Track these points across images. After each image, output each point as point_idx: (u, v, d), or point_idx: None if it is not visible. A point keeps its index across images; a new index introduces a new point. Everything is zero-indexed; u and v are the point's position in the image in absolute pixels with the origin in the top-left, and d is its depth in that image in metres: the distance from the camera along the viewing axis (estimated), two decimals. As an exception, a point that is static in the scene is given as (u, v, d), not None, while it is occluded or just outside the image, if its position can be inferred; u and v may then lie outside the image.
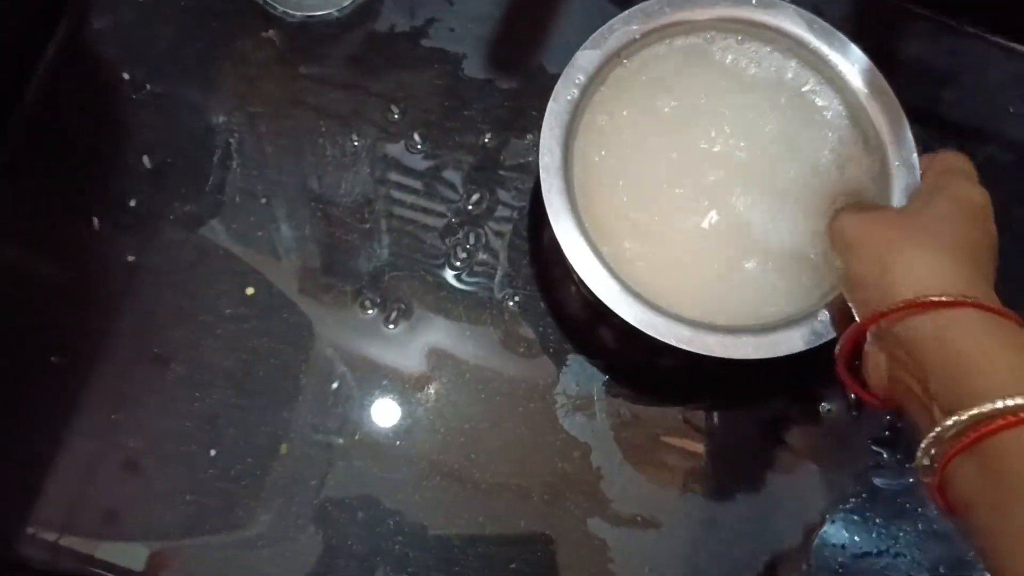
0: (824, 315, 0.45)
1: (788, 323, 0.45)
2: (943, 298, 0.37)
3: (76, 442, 0.49)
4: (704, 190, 0.48)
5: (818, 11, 0.57)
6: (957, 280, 0.38)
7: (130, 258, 0.51)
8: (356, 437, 0.50)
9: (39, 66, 0.53)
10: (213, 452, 0.49)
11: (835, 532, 0.51)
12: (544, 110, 0.47)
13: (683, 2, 0.49)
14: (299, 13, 0.55)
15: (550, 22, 0.56)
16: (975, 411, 0.34)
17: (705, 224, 0.48)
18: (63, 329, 0.50)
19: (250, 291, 0.51)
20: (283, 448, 0.50)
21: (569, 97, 0.47)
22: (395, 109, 0.54)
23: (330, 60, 0.55)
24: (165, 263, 0.51)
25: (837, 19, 0.57)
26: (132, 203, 0.52)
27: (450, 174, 0.54)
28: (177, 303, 0.51)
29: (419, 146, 0.54)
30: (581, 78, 0.48)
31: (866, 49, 0.57)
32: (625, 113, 0.49)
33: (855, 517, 0.51)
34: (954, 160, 0.46)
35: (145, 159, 0.52)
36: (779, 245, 0.47)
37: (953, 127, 0.56)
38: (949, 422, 0.35)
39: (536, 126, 0.50)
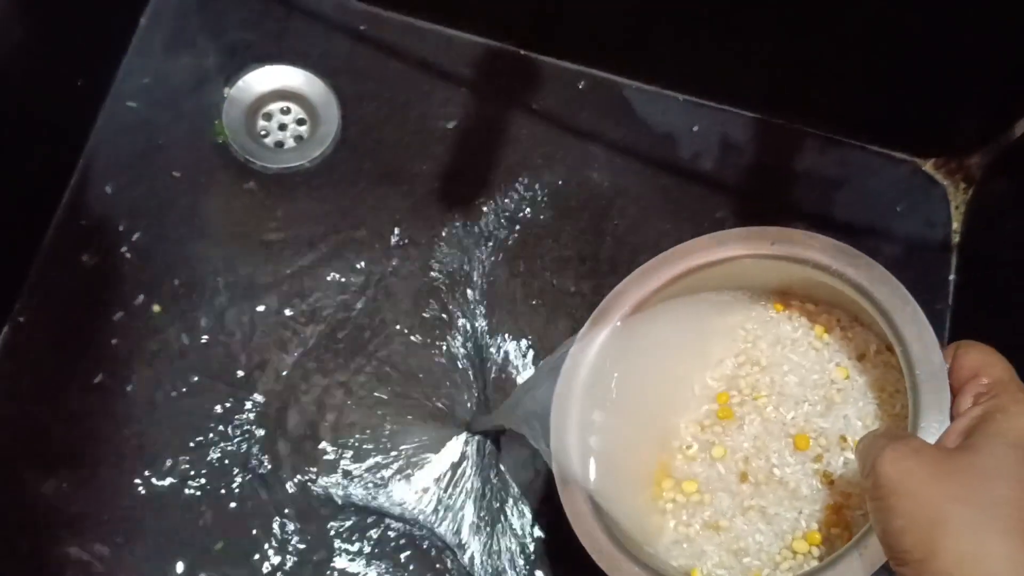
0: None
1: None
2: None
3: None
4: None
5: (722, 138, 0.66)
6: None
7: (128, 387, 0.57)
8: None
9: (49, 226, 0.61)
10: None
11: None
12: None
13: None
14: (275, 166, 0.63)
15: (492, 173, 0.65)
16: None
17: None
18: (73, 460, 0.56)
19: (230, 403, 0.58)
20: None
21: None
22: (359, 238, 0.62)
23: (302, 204, 0.62)
24: (157, 394, 0.58)
25: (739, 144, 0.66)
26: (137, 345, 0.59)
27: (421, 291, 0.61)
28: (173, 429, 0.57)
29: (388, 272, 0.62)
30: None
31: (767, 166, 0.66)
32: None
33: None
34: (995, 366, 0.36)
35: (146, 301, 0.59)
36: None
37: (847, 228, 0.64)
38: None
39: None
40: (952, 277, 0.64)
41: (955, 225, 0.66)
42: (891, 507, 0.32)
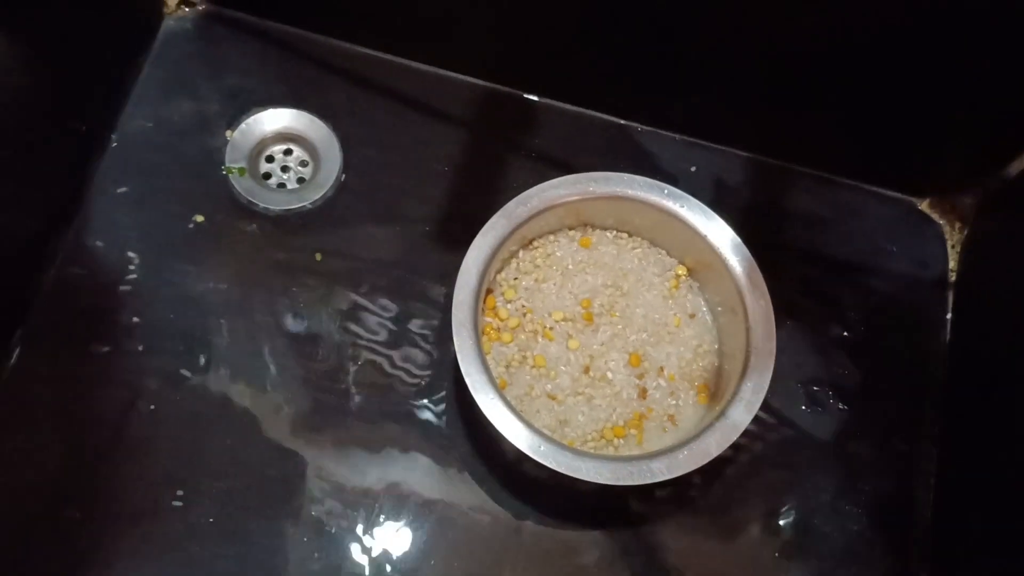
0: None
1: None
2: None
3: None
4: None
5: (718, 178, 0.67)
6: None
7: (129, 427, 0.58)
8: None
9: (50, 269, 0.61)
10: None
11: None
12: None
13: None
14: (277, 208, 0.64)
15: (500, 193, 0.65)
16: None
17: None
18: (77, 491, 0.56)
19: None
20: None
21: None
22: (363, 285, 0.62)
23: (304, 244, 0.63)
24: (164, 426, 0.58)
25: (735, 183, 0.67)
26: (136, 388, 0.59)
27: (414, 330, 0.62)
28: (176, 459, 0.57)
29: (384, 313, 0.62)
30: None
31: (762, 206, 0.67)
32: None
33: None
34: None
35: (146, 343, 0.60)
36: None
37: (839, 266, 0.65)
38: None
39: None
40: (949, 316, 0.65)
41: (951, 264, 0.66)
42: None
